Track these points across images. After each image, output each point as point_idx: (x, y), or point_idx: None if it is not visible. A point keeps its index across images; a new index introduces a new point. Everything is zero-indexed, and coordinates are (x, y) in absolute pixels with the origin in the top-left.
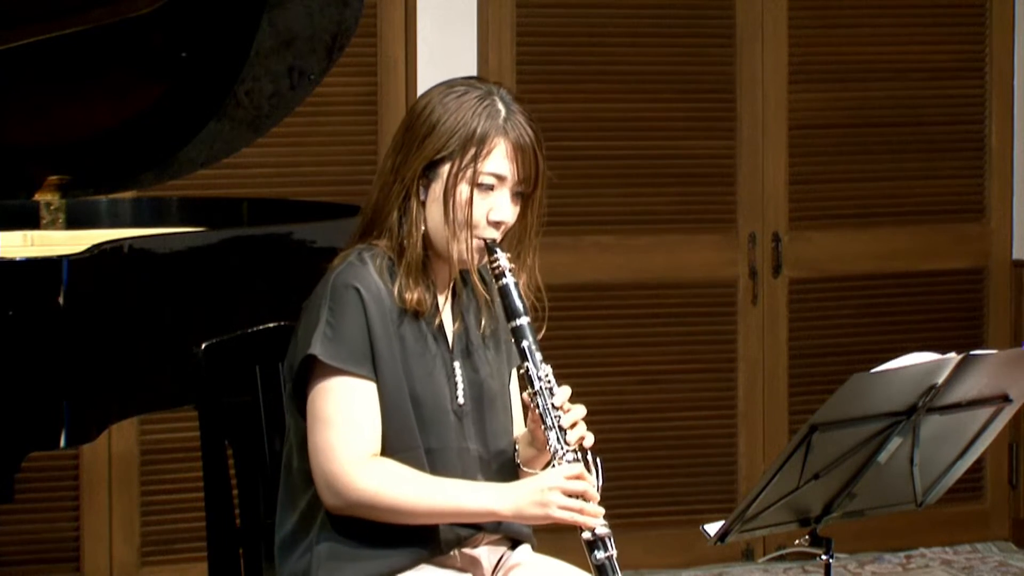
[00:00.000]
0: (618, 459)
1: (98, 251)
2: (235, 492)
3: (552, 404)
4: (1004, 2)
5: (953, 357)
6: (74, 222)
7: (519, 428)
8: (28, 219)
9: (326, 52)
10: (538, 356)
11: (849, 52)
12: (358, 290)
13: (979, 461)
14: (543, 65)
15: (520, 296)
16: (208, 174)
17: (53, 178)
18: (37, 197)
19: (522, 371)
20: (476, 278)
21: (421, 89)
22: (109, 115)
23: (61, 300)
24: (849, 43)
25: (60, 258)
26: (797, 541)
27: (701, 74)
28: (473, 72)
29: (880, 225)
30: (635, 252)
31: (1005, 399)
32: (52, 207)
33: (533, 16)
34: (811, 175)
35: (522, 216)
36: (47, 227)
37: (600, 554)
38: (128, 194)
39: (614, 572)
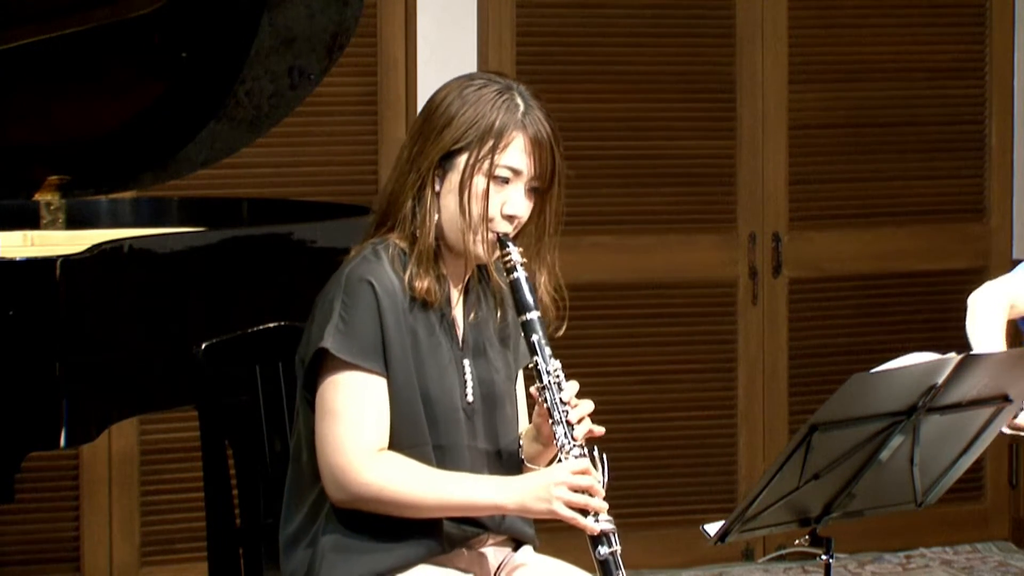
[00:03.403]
0: (618, 459)
1: (98, 251)
2: (235, 492)
3: (560, 399)
4: (1004, 2)
5: (953, 357)
6: (74, 222)
7: (524, 424)
8: (28, 219)
9: (326, 52)
10: (548, 351)
11: (849, 52)
12: (371, 284)
13: (979, 461)
14: (543, 65)
15: (531, 290)
16: (208, 174)
17: (53, 178)
18: (37, 197)
19: (531, 365)
20: (494, 270)
21: (421, 89)
22: (109, 115)
23: (61, 300)
24: (849, 43)
25: (59, 258)
26: (797, 541)
27: (701, 74)
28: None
29: (880, 225)
30: (635, 252)
31: (1005, 399)
32: (52, 207)
33: (533, 16)
34: (811, 175)
35: (539, 214)
36: (47, 227)
37: (604, 549)
38: (128, 194)
39: (617, 568)
